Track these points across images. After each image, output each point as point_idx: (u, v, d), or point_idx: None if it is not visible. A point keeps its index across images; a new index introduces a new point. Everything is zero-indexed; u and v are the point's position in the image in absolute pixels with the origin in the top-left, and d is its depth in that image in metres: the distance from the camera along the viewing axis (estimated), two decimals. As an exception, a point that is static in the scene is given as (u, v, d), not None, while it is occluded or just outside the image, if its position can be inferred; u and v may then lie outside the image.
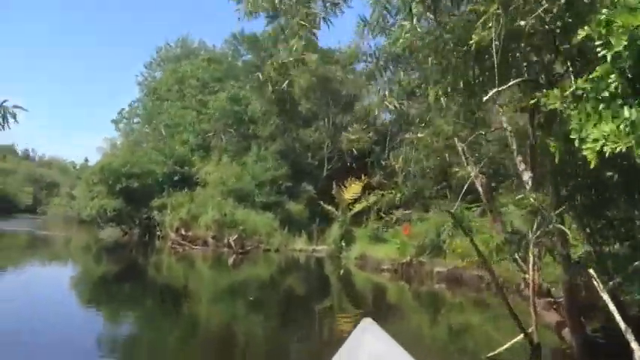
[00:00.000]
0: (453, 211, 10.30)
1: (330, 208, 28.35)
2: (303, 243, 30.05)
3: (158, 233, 33.41)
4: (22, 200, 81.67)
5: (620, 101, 4.55)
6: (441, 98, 7.19)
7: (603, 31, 4.61)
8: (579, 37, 5.05)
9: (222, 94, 37.50)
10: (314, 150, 36.08)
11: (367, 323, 5.03)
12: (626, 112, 4.38)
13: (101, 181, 32.94)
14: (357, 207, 27.51)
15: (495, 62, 6.01)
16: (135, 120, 41.57)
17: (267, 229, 30.26)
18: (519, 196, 8.24)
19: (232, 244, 27.84)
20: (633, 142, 4.26)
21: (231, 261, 24.93)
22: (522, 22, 6.21)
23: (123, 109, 39.50)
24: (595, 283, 7.06)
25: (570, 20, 6.16)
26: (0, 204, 70.88)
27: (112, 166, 33.09)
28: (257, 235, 29.94)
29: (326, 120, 36.28)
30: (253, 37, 40.84)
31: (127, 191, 33.39)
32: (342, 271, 22.64)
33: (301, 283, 20.85)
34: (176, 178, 35.37)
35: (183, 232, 31.16)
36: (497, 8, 5.88)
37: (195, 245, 29.61)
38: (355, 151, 32.23)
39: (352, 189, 28.32)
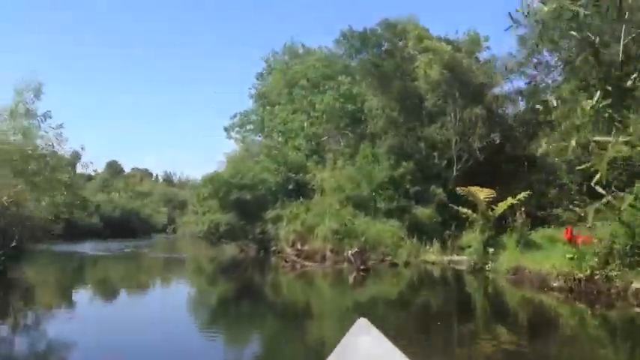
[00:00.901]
0: None
1: (466, 211, 23.27)
2: (435, 253, 25.23)
3: (273, 248, 30.24)
4: (159, 220, 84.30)
5: None
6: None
7: None
8: None
9: (331, 92, 33.82)
10: (441, 149, 31.18)
11: (362, 323, 4.75)
12: None
13: (211, 195, 30.43)
14: (501, 206, 22.21)
15: None
16: (248, 127, 39.18)
17: (392, 239, 25.87)
18: None
19: (352, 258, 23.62)
20: None
21: (352, 279, 20.81)
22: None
23: (235, 114, 37.10)
24: None
25: None
26: (139, 225, 73.32)
27: (222, 178, 30.49)
28: (381, 247, 25.62)
29: (452, 115, 31.30)
30: (364, 34, 36.76)
31: (239, 204, 30.72)
32: (490, 288, 17.69)
33: (440, 304, 16.22)
34: (290, 186, 32.21)
35: (299, 246, 27.66)
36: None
37: (313, 261, 25.94)
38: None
39: (487, 189, 23.15)
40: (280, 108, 36.78)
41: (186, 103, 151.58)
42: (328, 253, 26.44)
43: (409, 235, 26.35)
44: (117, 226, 66.26)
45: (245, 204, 30.77)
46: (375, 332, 4.67)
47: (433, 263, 24.42)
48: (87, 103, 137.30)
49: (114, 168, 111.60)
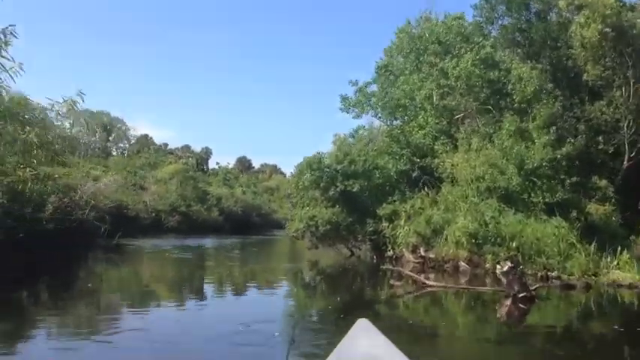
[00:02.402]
0: None
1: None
2: (628, 270, 16.52)
3: (389, 253, 23.06)
4: (283, 216, 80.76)
5: None
6: None
7: None
8: None
9: (469, 54, 25.83)
10: (607, 132, 23.04)
11: (363, 324, 4.55)
12: None
13: (311, 184, 23.91)
14: None
15: None
16: (366, 103, 31.80)
17: (558, 246, 17.54)
18: None
19: (504, 278, 14.75)
20: None
21: (504, 312, 12.71)
22: None
23: (355, 81, 29.84)
24: None
25: None
26: (259, 220, 69.89)
27: (323, 163, 23.85)
28: (541, 257, 17.44)
29: (623, 89, 22.78)
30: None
31: (346, 196, 23.93)
32: None
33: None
34: (414, 174, 24.81)
35: (422, 251, 20.31)
36: None
37: (441, 273, 18.35)
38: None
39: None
40: (404, 79, 29.24)
41: (321, 104, 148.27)
42: (463, 264, 18.81)
43: (582, 241, 17.88)
44: (237, 221, 63.02)
45: (354, 196, 23.92)
46: (376, 333, 4.49)
47: (630, 286, 15.77)
48: (220, 102, 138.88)
49: (243, 163, 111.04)
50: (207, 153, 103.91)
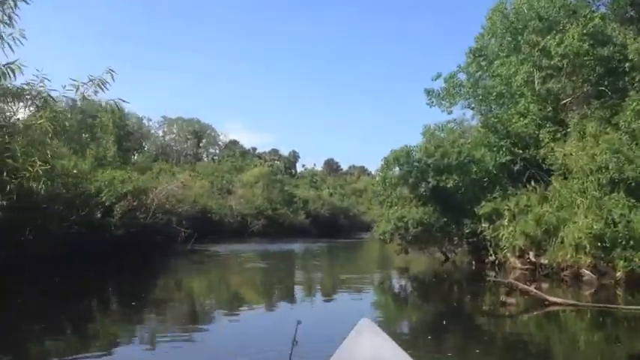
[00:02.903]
0: None
1: None
2: None
3: (490, 258, 19.89)
4: (371, 218, 78.23)
5: None
6: None
7: None
8: None
9: (575, 29, 22.11)
10: None
11: (366, 323, 4.70)
12: None
13: (399, 181, 21.21)
14: None
15: None
16: (456, 92, 28.42)
17: None
18: None
19: None
20: None
21: None
22: None
23: (438, 74, 26.69)
24: None
25: None
26: (347, 223, 67.80)
27: (412, 157, 21.08)
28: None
29: None
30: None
31: (439, 193, 21.03)
32: None
33: None
34: (516, 167, 21.46)
35: (531, 256, 17.07)
36: None
37: (557, 282, 15.06)
38: None
39: None
40: (500, 62, 25.77)
41: (411, 104, 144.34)
42: (586, 272, 15.40)
43: None
44: (324, 224, 61.32)
45: (448, 193, 20.96)
46: (378, 332, 4.51)
47: None
48: (308, 106, 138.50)
49: (331, 166, 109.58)
50: (294, 156, 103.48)
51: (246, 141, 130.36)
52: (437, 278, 20.38)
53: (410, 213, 20.74)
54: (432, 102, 27.65)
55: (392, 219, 21.01)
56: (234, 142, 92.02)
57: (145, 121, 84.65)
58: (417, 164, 21.17)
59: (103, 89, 8.59)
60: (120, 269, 18.17)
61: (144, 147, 75.70)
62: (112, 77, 8.57)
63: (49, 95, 11.08)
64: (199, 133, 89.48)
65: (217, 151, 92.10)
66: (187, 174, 28.34)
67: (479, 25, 29.95)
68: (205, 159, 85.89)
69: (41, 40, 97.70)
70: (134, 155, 60.49)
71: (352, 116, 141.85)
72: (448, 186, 20.62)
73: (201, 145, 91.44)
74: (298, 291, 16.62)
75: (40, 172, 12.40)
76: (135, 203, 19.75)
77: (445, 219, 21.01)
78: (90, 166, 21.59)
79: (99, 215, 18.12)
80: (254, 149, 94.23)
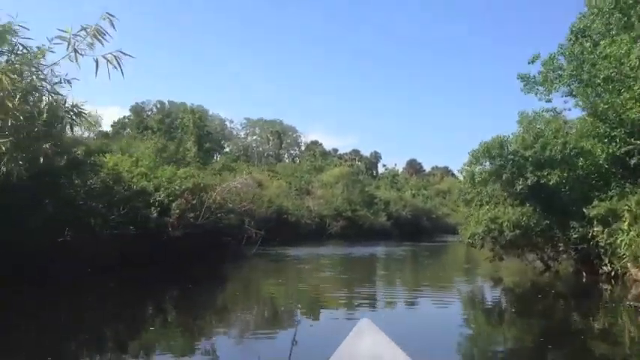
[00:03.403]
0: None
1: None
2: None
3: (605, 269, 16.42)
4: (456, 220, 74.07)
5: None
6: None
7: None
8: None
9: None
10: None
11: (365, 324, 4.55)
12: None
13: (490, 177, 18.15)
14: None
15: None
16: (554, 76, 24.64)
17: None
18: None
19: None
20: None
21: None
22: None
23: (537, 55, 23.08)
24: None
25: None
26: (429, 225, 64.33)
27: (507, 149, 17.94)
28: None
29: None
30: None
31: (539, 191, 17.78)
32: None
33: None
34: (633, 160, 17.79)
35: (663, 268, 13.58)
36: None
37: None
38: None
39: None
40: (608, 42, 21.96)
41: (497, 104, 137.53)
42: None
43: None
44: (406, 226, 58.32)
45: (550, 191, 17.63)
46: (378, 332, 4.48)
47: None
48: (391, 107, 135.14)
49: (413, 166, 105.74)
50: (376, 157, 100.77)
51: (328, 143, 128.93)
52: (537, 290, 17.16)
53: (505, 214, 17.60)
54: (528, 89, 24.17)
55: (482, 220, 17.95)
56: (315, 143, 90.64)
57: (227, 122, 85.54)
58: (512, 157, 18.01)
59: (100, 41, 6.48)
60: (179, 274, 16.58)
61: (225, 148, 76.14)
62: (112, 24, 6.46)
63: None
64: (281, 134, 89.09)
65: (298, 152, 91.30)
66: (250, 171, 26.32)
67: (573, 6, 25.89)
68: (286, 160, 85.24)
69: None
70: (215, 156, 60.60)
71: (435, 116, 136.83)
72: (550, 183, 17.29)
73: (282, 146, 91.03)
74: (380, 300, 14.46)
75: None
76: (194, 202, 18.13)
77: (547, 221, 17.68)
78: (151, 163, 20.27)
79: (154, 214, 16.58)
80: (335, 150, 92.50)
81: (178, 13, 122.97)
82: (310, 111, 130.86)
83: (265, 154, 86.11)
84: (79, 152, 14.28)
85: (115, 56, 6.18)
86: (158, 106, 71.03)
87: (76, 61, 6.97)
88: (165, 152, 37.06)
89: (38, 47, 8.85)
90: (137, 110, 70.27)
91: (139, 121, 65.02)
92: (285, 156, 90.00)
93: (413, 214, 61.99)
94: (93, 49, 6.65)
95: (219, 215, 19.12)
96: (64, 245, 12.26)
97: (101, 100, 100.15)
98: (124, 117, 69.22)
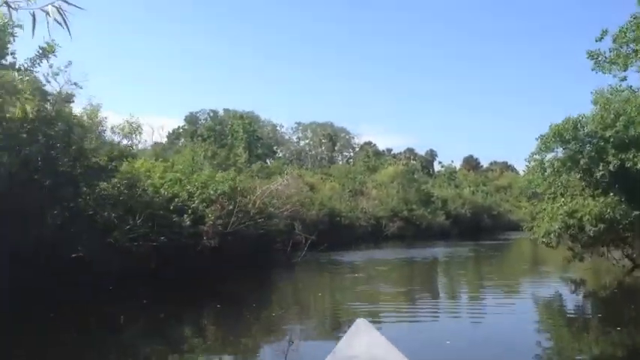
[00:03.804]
0: None
1: None
2: None
3: None
4: (519, 217, 69.87)
5: None
6: None
7: None
8: None
9: None
10: None
11: (361, 324, 4.52)
12: None
13: (564, 165, 15.55)
14: None
15: None
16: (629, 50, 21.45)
17: None
18: None
19: None
20: None
21: None
22: None
23: (605, 31, 20.08)
24: None
25: None
26: (491, 223, 60.79)
27: (582, 131, 15.29)
28: None
29: None
30: None
31: (623, 177, 15.08)
32: None
33: None
34: None
35: None
36: None
37: None
38: None
39: None
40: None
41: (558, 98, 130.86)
42: None
43: None
44: (465, 225, 55.15)
45: (637, 177, 14.90)
46: (374, 332, 4.48)
47: None
48: (445, 105, 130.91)
49: (470, 163, 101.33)
50: (431, 155, 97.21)
51: (381, 144, 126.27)
52: (626, 293, 14.53)
53: (585, 206, 14.91)
54: (599, 67, 21.19)
55: (558, 216, 15.31)
56: (369, 144, 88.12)
57: (279, 127, 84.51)
58: (589, 140, 15.38)
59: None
60: (212, 289, 14.78)
61: (276, 152, 75.06)
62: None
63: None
64: (333, 136, 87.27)
65: (352, 154, 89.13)
66: (295, 173, 24.26)
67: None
68: (340, 162, 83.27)
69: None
70: (267, 162, 59.48)
71: (490, 109, 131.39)
72: (638, 166, 14.57)
73: (335, 148, 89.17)
74: (445, 308, 12.77)
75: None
76: (230, 207, 16.37)
77: (636, 212, 14.89)
78: (187, 168, 18.75)
79: (187, 223, 14.91)
80: (389, 150, 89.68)
81: (234, 29, 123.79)
82: (362, 113, 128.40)
83: (318, 158, 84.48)
84: (99, 158, 12.93)
85: (57, 8, 4.44)
86: (211, 115, 70.78)
87: (10, 18, 5.38)
88: (215, 159, 36.00)
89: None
90: (191, 120, 70.28)
91: (193, 130, 64.81)
92: (339, 158, 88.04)
93: (473, 212, 58.62)
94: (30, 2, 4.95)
95: (259, 220, 17.33)
96: (79, 261, 10.80)
97: (164, 111, 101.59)
98: (179, 127, 69.37)
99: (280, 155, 75.81)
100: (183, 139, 62.29)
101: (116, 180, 13.30)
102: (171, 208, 14.92)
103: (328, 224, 32.96)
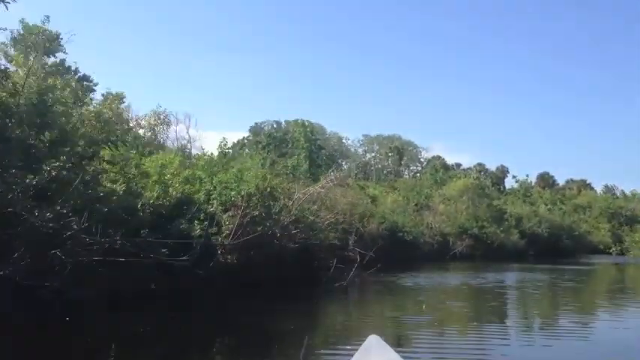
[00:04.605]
0: None
1: None
2: None
3: None
4: (599, 238, 62.99)
5: None
6: None
7: None
8: None
9: None
10: None
11: (374, 340, 4.42)
12: None
13: None
14: None
15: None
16: None
17: None
18: None
19: None
20: None
21: None
22: None
23: None
24: None
25: None
26: (570, 244, 54.37)
27: None
28: None
29: None
30: None
31: None
32: None
33: None
34: None
35: None
36: None
37: None
38: None
39: None
40: None
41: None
42: None
43: None
44: (542, 245, 49.46)
45: None
46: (387, 349, 4.32)
47: None
48: (515, 121, 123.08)
49: (545, 180, 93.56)
50: (503, 171, 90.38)
51: (449, 159, 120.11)
52: None
53: None
54: None
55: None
56: (437, 158, 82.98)
57: (344, 140, 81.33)
58: None
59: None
60: (218, 322, 10.91)
61: (342, 165, 71.76)
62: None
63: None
64: (400, 149, 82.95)
65: (419, 168, 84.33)
66: (334, 177, 20.81)
67: None
68: (406, 176, 78.75)
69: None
70: (329, 172, 56.21)
71: (566, 126, 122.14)
72: None
73: (402, 162, 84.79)
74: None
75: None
76: (255, 213, 12.82)
77: None
78: (208, 166, 15.38)
79: (197, 231, 11.60)
80: (458, 165, 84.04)
81: (298, 45, 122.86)
82: (430, 128, 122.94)
83: (385, 172, 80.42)
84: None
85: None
86: (275, 125, 68.80)
87: None
88: (274, 168, 33.16)
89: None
90: (256, 131, 68.70)
91: (257, 141, 62.85)
92: (405, 172, 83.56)
93: (550, 232, 52.63)
94: None
95: (293, 232, 13.83)
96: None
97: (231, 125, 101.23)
98: (243, 138, 67.82)
99: (345, 168, 72.45)
100: (247, 150, 60.41)
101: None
102: (182, 212, 11.75)
103: (388, 239, 29.15)
